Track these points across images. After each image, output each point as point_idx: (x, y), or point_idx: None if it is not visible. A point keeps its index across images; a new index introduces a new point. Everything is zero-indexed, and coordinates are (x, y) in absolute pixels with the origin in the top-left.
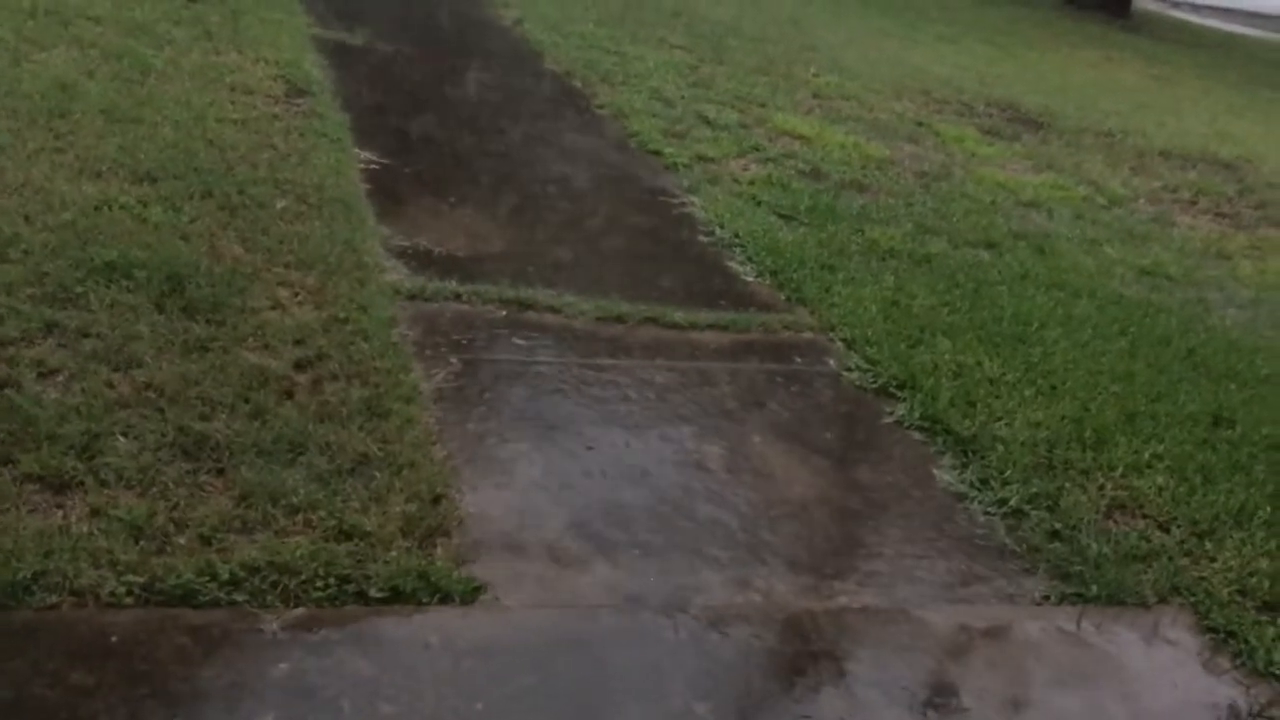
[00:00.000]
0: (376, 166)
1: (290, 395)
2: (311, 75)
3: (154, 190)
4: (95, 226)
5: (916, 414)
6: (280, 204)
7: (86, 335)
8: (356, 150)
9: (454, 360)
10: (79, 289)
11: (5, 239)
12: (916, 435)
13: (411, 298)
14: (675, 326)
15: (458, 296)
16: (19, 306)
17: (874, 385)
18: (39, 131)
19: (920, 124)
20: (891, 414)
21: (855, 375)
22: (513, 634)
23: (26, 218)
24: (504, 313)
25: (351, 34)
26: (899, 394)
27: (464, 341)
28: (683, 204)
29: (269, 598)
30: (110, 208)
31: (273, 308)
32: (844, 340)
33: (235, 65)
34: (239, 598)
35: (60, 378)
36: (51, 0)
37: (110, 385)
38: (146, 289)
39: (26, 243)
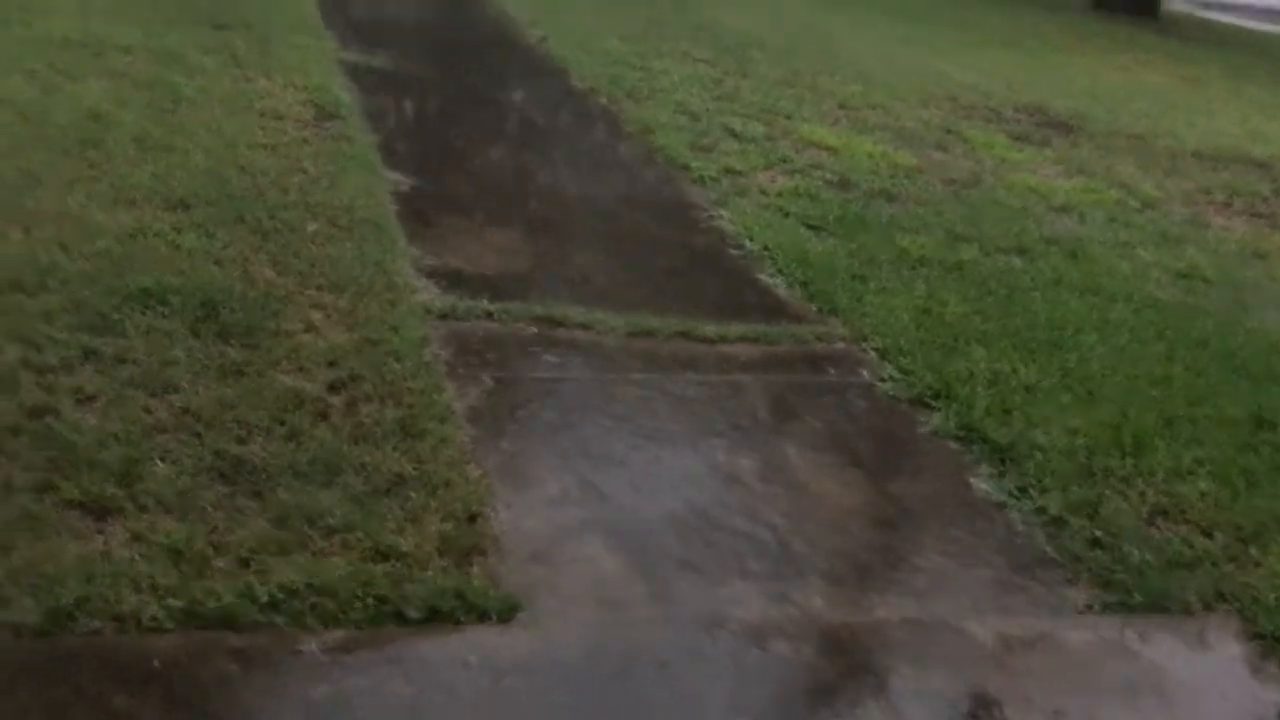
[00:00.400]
0: (406, 187)
1: (325, 417)
2: (340, 99)
3: (187, 217)
4: (131, 254)
5: (952, 423)
6: (311, 227)
7: (123, 361)
8: (385, 172)
9: (486, 379)
10: (115, 316)
11: (43, 268)
12: (953, 445)
13: (443, 317)
14: (706, 340)
15: (489, 315)
16: (57, 334)
17: (908, 395)
18: (73, 161)
19: (948, 131)
20: (927, 424)
21: (889, 385)
22: (551, 651)
23: (63, 246)
24: (535, 330)
25: (378, 57)
26: (934, 403)
27: (496, 360)
28: (711, 217)
29: (308, 619)
30: (145, 235)
31: (306, 330)
32: (877, 350)
33: (264, 91)
34: (278, 620)
35: (98, 404)
36: (83, 31)
37: (148, 411)
38: (182, 314)
39: (64, 271)
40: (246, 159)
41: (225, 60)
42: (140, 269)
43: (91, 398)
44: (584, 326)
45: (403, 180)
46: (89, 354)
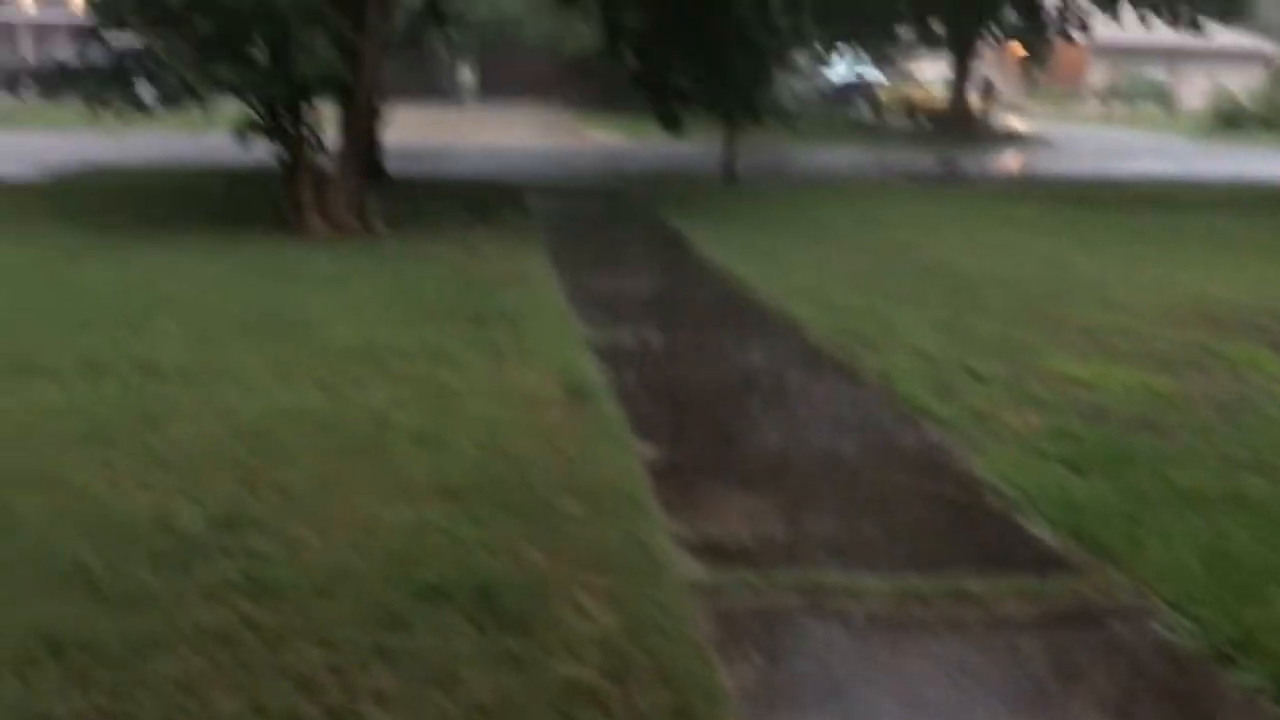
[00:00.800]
0: (658, 459)
1: (603, 706)
2: (589, 378)
3: (461, 507)
4: (413, 549)
5: (1262, 679)
6: (573, 508)
7: (413, 658)
8: (637, 445)
9: (755, 654)
10: (404, 612)
11: (338, 570)
12: (1267, 704)
13: (706, 593)
14: (977, 599)
15: (751, 587)
16: (353, 635)
17: (1206, 649)
18: (360, 463)
19: (1205, 350)
20: (1231, 681)
21: (1181, 638)
22: None
23: (355, 546)
24: (799, 599)
25: (620, 332)
26: (1237, 657)
27: (763, 633)
28: (963, 464)
29: None
30: (425, 529)
31: (576, 613)
32: (1163, 599)
33: (522, 378)
34: None
35: (395, 704)
36: (362, 338)
37: (439, 707)
38: (462, 606)
39: (356, 571)
40: (510, 445)
41: (486, 352)
42: (423, 563)
43: (388, 697)
44: (849, 593)
45: (654, 452)
46: (382, 652)
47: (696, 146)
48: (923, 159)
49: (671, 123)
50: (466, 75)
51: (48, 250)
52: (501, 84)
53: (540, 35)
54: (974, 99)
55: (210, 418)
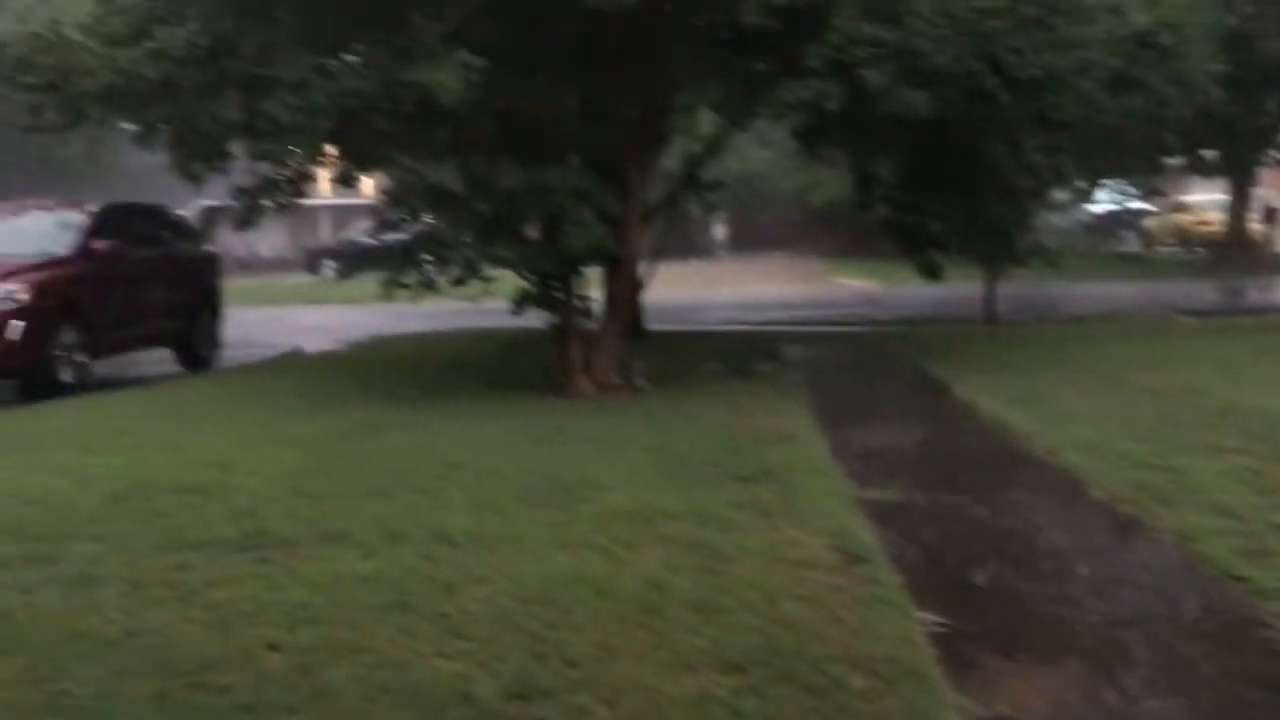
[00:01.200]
0: (940, 628)
1: None
2: (862, 540)
3: (742, 679)
4: None
5: None
6: (856, 682)
7: None
8: (917, 612)
9: None
10: None
11: None
12: None
13: None
14: None
15: None
16: None
17: None
18: (639, 630)
19: None
20: None
21: None
22: None
23: (640, 719)
24: None
25: (890, 490)
26: None
27: None
28: None
29: None
30: (708, 702)
31: None
32: None
33: (793, 540)
34: None
35: None
36: (633, 501)
37: None
38: None
39: None
40: (788, 613)
41: (755, 513)
42: None
43: None
44: None
45: (936, 621)
46: None
47: (953, 288)
48: (1201, 290)
49: (930, 270)
50: (718, 230)
51: (347, 422)
52: (752, 236)
53: (789, 188)
54: (1254, 225)
55: (499, 584)
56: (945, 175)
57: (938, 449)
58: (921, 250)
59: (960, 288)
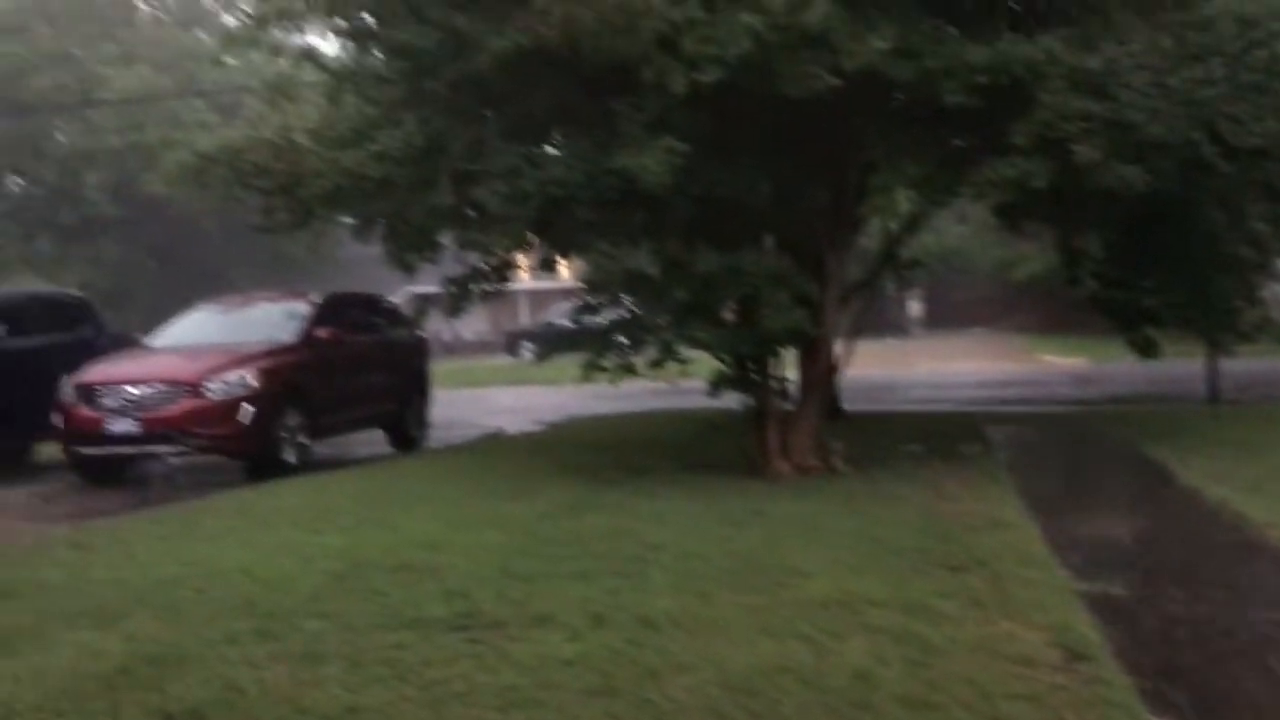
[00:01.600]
0: None
1: None
2: (1085, 636)
3: None
4: None
5: None
6: None
7: None
8: (1150, 718)
9: None
10: None
11: None
12: None
13: None
14: None
15: None
16: None
17: None
18: None
19: None
20: None
21: None
22: None
23: None
24: None
25: (1114, 584)
26: None
27: None
28: None
29: None
30: None
31: None
32: None
33: (1008, 633)
34: None
35: None
36: (836, 589)
37: None
38: None
39: None
40: (1006, 713)
41: (965, 603)
42: None
43: None
44: None
45: None
46: None
47: (1167, 365)
48: None
49: (1145, 347)
50: (913, 307)
51: (549, 503)
52: (948, 313)
53: (988, 263)
54: None
55: (704, 671)
56: (1159, 248)
57: (1162, 538)
58: (1136, 326)
59: (1175, 365)
